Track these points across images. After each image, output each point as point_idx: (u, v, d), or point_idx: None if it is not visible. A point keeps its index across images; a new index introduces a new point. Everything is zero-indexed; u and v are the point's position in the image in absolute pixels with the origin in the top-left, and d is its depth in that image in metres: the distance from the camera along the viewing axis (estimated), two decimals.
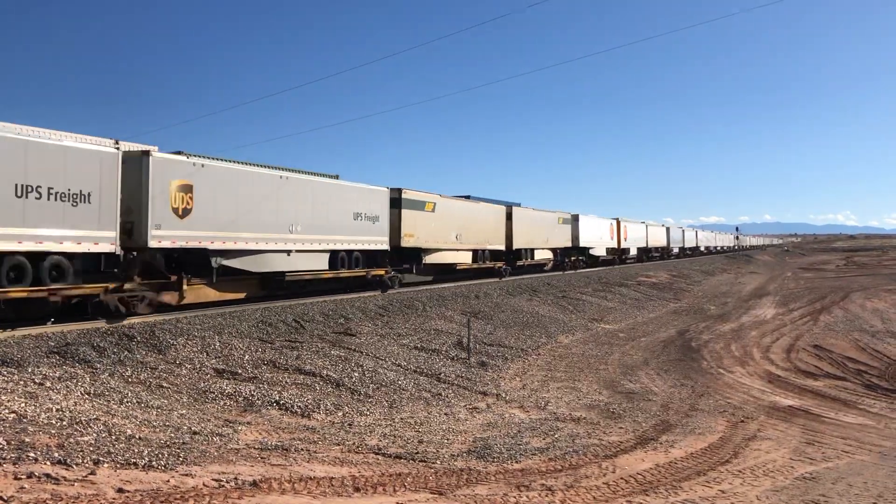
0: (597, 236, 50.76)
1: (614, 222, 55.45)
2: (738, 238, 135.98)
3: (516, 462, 10.20)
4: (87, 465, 7.57)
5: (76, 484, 6.96)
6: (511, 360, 19.50)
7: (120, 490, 6.96)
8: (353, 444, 10.48)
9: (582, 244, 47.32)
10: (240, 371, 13.63)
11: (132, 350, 13.41)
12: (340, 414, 12.41)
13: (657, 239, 70.70)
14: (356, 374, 14.86)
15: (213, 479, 7.69)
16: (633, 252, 63.14)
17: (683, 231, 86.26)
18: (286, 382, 13.53)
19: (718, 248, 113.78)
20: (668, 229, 76.15)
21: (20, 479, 6.88)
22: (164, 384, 12.17)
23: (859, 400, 17.79)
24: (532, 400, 15.13)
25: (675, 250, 79.70)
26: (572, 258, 46.14)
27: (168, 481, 7.45)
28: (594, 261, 51.33)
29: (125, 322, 15.11)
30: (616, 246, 55.72)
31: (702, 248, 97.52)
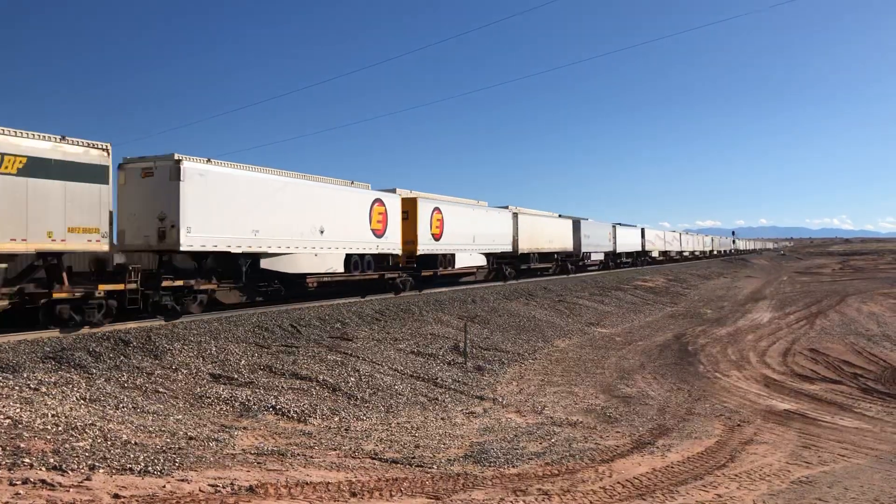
0: (302, 227, 20.45)
1: (389, 198, 25.36)
2: (734, 241, 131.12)
3: (513, 467, 10.20)
4: (82, 470, 7.55)
5: (72, 490, 6.94)
6: (508, 364, 19.49)
7: (116, 496, 6.94)
8: (350, 449, 10.47)
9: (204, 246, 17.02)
10: (236, 376, 13.60)
11: (128, 355, 13.38)
12: (337, 419, 12.39)
13: (547, 239, 40.98)
14: (353, 379, 14.84)
15: (209, 485, 7.67)
16: (474, 261, 32.24)
17: (614, 229, 56.21)
18: (282, 387, 13.51)
19: (687, 254, 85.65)
20: (576, 224, 46.48)
21: (15, 484, 6.85)
22: (160, 389, 12.14)
23: (855, 404, 17.80)
24: (529, 404, 15.13)
25: (597, 257, 51.66)
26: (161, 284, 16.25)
27: (164, 487, 7.43)
28: (295, 287, 21.51)
29: (121, 327, 15.07)
30: (414, 246, 27.07)
31: (655, 255, 70.06)
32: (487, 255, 33.89)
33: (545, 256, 41.72)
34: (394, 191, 26.52)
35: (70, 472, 7.45)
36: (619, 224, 58.09)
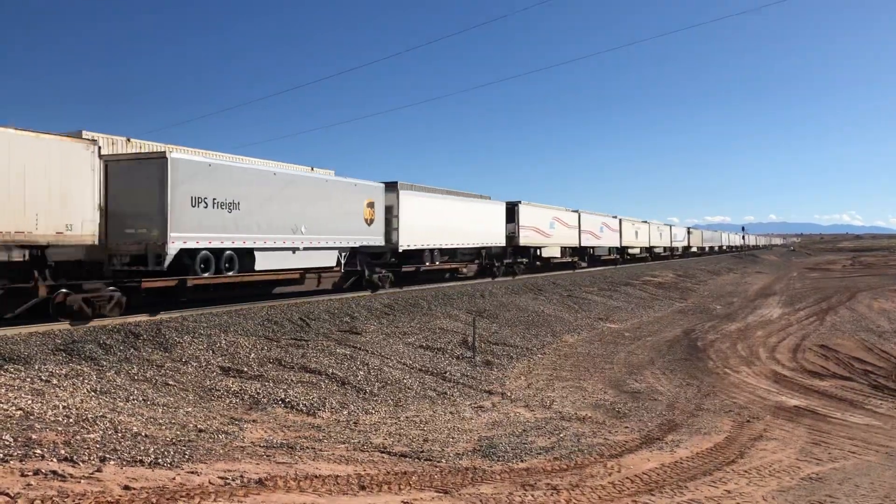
0: None
1: None
2: (743, 237, 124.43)
3: (521, 461, 10.19)
4: (93, 462, 7.59)
5: (83, 481, 6.97)
6: (516, 359, 19.48)
7: (126, 487, 6.97)
8: (359, 442, 10.49)
9: None
10: (245, 369, 13.65)
11: (138, 348, 13.44)
12: (346, 412, 12.41)
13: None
14: (361, 373, 14.87)
15: (218, 477, 7.70)
16: None
17: (396, 197, 24.86)
18: (292, 381, 13.55)
19: (638, 252, 58.86)
20: (166, 166, 15.32)
21: (27, 475, 6.89)
22: (170, 382, 12.19)
23: (866, 400, 17.71)
24: (537, 399, 15.11)
25: (286, 263, 19.46)
26: None
27: (174, 479, 7.46)
28: None
29: (131, 320, 15.14)
30: None
31: (554, 254, 40.93)
32: None
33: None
34: None
35: (81, 463, 7.48)
36: (417, 188, 29.10)
